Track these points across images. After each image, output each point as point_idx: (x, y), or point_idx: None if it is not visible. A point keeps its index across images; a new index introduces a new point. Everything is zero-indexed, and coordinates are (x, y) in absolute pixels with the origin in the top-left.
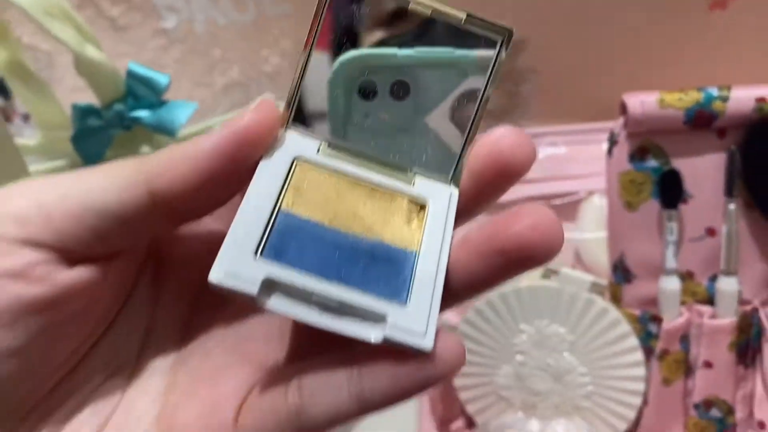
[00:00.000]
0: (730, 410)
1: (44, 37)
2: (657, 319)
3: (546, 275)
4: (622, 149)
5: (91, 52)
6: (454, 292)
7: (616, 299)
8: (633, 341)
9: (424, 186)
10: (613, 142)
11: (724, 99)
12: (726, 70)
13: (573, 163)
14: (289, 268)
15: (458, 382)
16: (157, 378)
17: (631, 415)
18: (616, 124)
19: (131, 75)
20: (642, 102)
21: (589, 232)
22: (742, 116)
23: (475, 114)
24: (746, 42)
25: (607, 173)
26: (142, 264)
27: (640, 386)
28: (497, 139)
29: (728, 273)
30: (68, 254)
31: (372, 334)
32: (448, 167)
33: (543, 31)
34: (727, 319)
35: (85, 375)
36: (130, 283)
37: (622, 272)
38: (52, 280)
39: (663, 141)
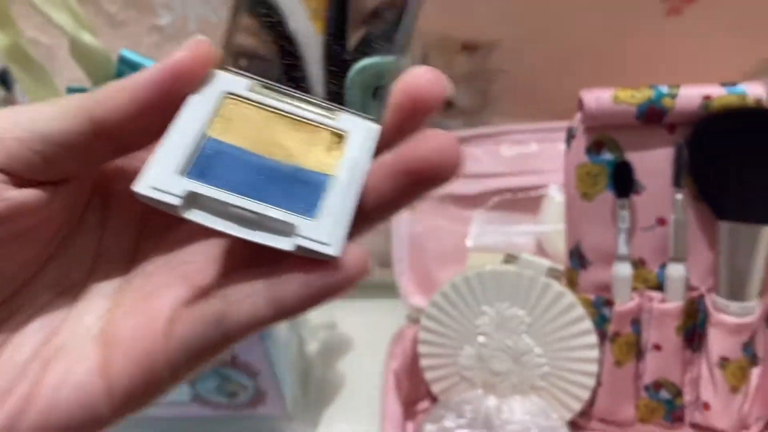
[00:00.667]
0: (678, 392)
1: (45, 30)
2: (610, 304)
3: (507, 260)
4: (580, 143)
5: (86, 37)
6: (366, 212)
7: (573, 284)
8: (587, 324)
9: (347, 121)
10: (571, 136)
11: (673, 96)
12: (679, 70)
13: (539, 159)
14: (210, 184)
15: (424, 362)
16: (102, 299)
17: (585, 395)
18: (575, 120)
19: (123, 61)
20: (597, 98)
21: (550, 224)
22: (689, 113)
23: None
24: (697, 46)
25: (565, 166)
26: (90, 195)
27: (594, 368)
28: (414, 77)
29: (676, 260)
30: (17, 176)
31: (284, 242)
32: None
33: (512, 34)
34: (674, 303)
35: (34, 292)
36: (79, 210)
37: (578, 259)
38: (1, 197)
39: (617, 135)
